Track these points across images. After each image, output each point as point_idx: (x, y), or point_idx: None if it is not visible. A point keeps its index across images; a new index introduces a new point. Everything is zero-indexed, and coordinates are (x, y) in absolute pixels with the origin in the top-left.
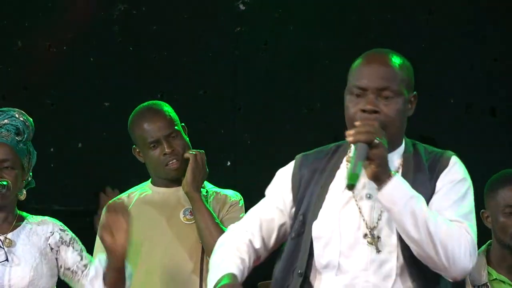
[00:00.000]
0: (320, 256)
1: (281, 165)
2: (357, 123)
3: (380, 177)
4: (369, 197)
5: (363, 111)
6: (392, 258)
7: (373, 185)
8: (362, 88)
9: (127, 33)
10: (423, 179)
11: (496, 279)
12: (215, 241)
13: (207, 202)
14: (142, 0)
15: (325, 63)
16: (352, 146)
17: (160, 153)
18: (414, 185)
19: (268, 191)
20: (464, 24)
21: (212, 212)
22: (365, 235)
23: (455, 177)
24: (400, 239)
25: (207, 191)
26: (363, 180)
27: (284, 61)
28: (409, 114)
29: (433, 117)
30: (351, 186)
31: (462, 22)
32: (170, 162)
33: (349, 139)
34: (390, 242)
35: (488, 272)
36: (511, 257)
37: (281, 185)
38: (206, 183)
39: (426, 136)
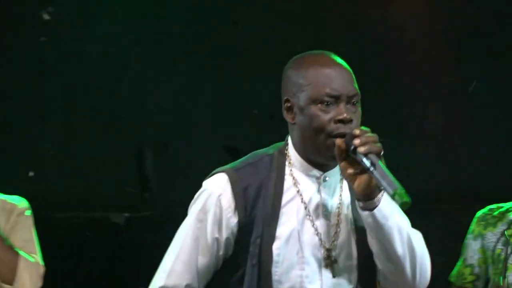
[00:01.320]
0: (281, 282)
1: (81, 175)
2: (357, 132)
3: (375, 190)
4: (326, 216)
5: (340, 121)
6: (352, 282)
7: (329, 202)
8: (335, 96)
9: None
10: None
11: None
12: (8, 269)
13: None
14: None
15: (133, 74)
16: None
17: None
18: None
19: (197, 215)
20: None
21: (1, 234)
22: (325, 258)
23: None
24: (359, 260)
25: None
26: (319, 197)
27: (89, 70)
28: None
29: (238, 128)
30: (407, 204)
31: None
32: None
33: (361, 149)
34: (348, 264)
35: None
36: None
37: (218, 209)
38: None
39: (230, 147)
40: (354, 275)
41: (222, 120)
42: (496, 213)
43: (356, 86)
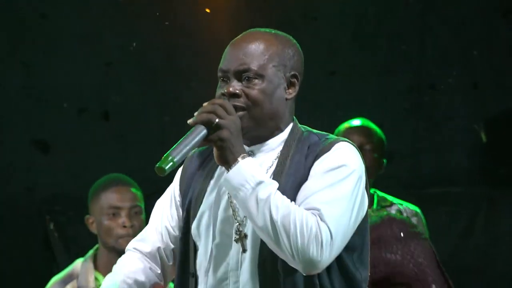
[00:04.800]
0: (198, 256)
1: None
2: (204, 104)
3: (226, 160)
4: None
5: (223, 95)
6: (257, 256)
7: None
8: (223, 71)
9: None
10: (299, 166)
11: None
12: None
13: None
14: None
15: None
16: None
17: None
18: (288, 172)
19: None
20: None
21: None
22: (235, 232)
23: (332, 163)
24: None
25: None
26: None
27: None
28: (287, 96)
29: (46, 121)
30: (158, 170)
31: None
32: None
33: (189, 120)
34: (255, 238)
35: (95, 277)
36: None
37: (175, 181)
38: None
39: (39, 140)
40: (258, 249)
41: (30, 113)
42: None
43: (253, 62)
